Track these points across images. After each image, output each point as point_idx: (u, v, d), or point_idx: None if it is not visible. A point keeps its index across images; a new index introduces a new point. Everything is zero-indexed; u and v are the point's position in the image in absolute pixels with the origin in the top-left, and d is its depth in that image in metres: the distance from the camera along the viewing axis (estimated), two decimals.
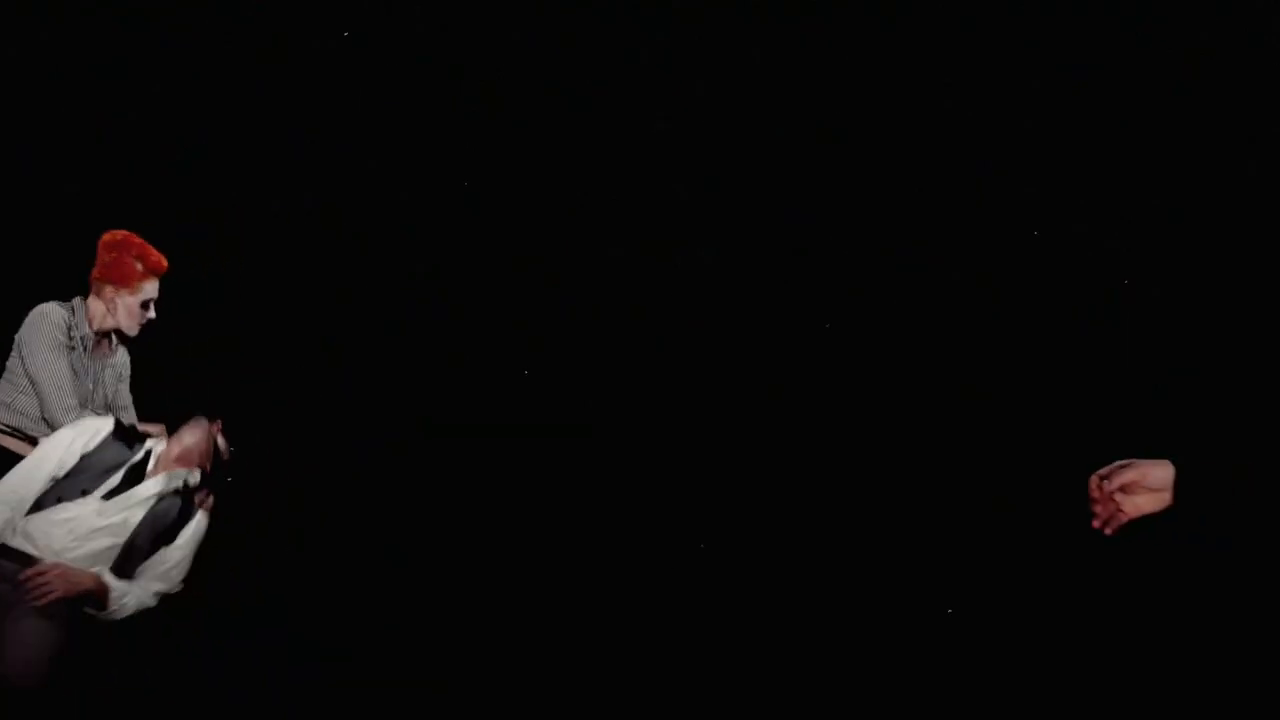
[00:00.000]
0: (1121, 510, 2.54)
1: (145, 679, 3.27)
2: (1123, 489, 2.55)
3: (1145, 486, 2.55)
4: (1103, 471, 2.51)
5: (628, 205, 3.34)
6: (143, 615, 2.82)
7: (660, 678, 3.32)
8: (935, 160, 3.27)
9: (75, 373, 2.91)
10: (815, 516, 3.28)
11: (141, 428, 2.87)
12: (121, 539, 2.70)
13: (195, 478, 2.77)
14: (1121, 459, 2.46)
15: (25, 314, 3.15)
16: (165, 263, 2.93)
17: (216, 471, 2.81)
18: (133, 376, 3.11)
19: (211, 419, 2.81)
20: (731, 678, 3.29)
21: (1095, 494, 2.56)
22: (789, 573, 3.29)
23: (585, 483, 3.35)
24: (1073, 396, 3.22)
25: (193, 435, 2.78)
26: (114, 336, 2.98)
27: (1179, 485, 2.54)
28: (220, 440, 2.83)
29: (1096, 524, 2.54)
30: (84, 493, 2.70)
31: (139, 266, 2.91)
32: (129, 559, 2.71)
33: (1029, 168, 3.27)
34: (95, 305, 2.93)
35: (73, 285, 3.17)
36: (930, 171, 3.28)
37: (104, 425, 2.76)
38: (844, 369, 3.27)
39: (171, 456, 2.76)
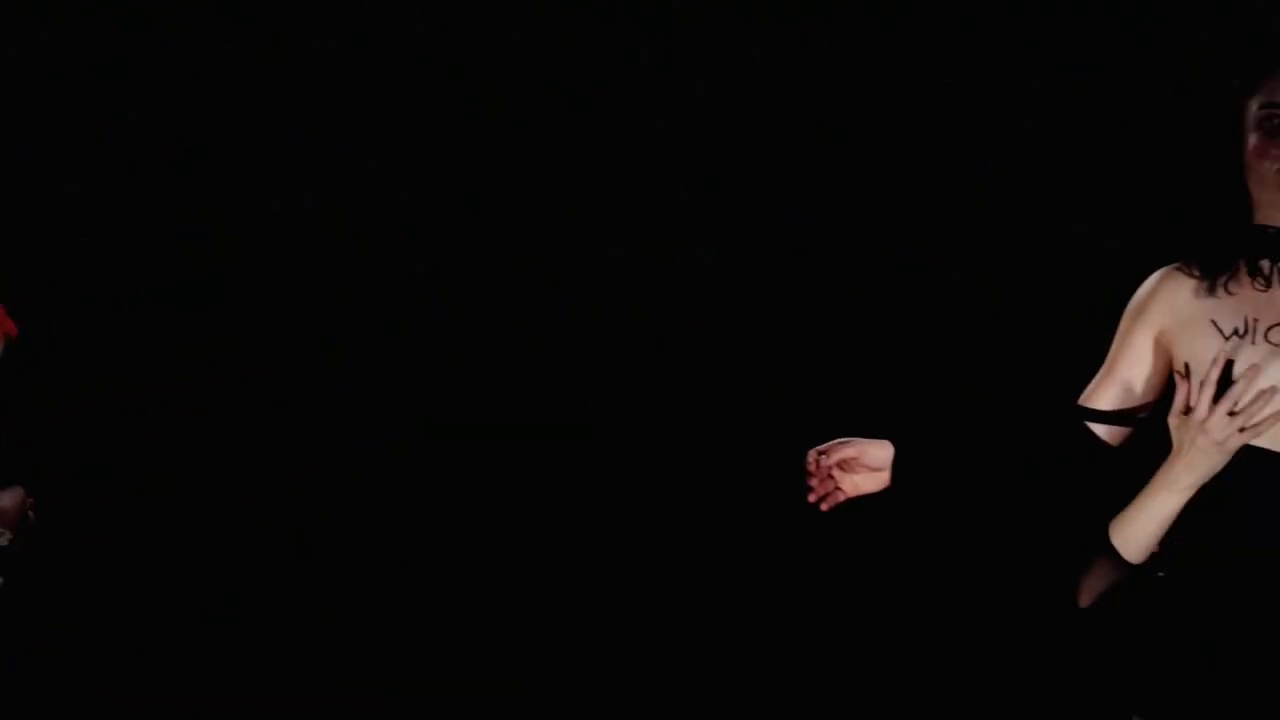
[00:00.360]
0: (839, 488, 2.55)
1: (141, 680, 3.27)
2: (840, 466, 2.57)
3: (864, 464, 2.57)
4: (821, 447, 2.52)
5: (628, 205, 3.34)
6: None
7: (662, 679, 3.32)
8: (935, 160, 3.27)
9: None
10: (816, 516, 3.27)
11: None
12: None
13: (5, 539, 2.85)
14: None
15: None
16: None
17: (18, 538, 2.90)
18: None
19: (29, 493, 2.93)
20: (729, 679, 3.30)
21: (812, 469, 2.57)
22: (789, 573, 3.29)
23: (585, 482, 3.35)
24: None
25: (10, 498, 2.88)
26: None
27: (897, 466, 2.55)
28: (31, 514, 2.92)
29: (812, 499, 2.55)
30: None
31: None
32: None
33: (1029, 168, 3.27)
34: None
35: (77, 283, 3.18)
36: (930, 171, 3.28)
37: None
38: (843, 369, 3.27)
39: None
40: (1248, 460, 2.45)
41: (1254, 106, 2.49)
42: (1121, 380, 2.58)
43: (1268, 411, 2.39)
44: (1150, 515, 2.49)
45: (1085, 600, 2.49)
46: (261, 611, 3.34)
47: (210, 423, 3.35)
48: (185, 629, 3.33)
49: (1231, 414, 2.38)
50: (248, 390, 3.35)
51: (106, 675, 3.31)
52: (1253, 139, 2.50)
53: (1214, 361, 2.41)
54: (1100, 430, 2.59)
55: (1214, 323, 2.48)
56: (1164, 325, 2.56)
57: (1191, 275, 2.53)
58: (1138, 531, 2.51)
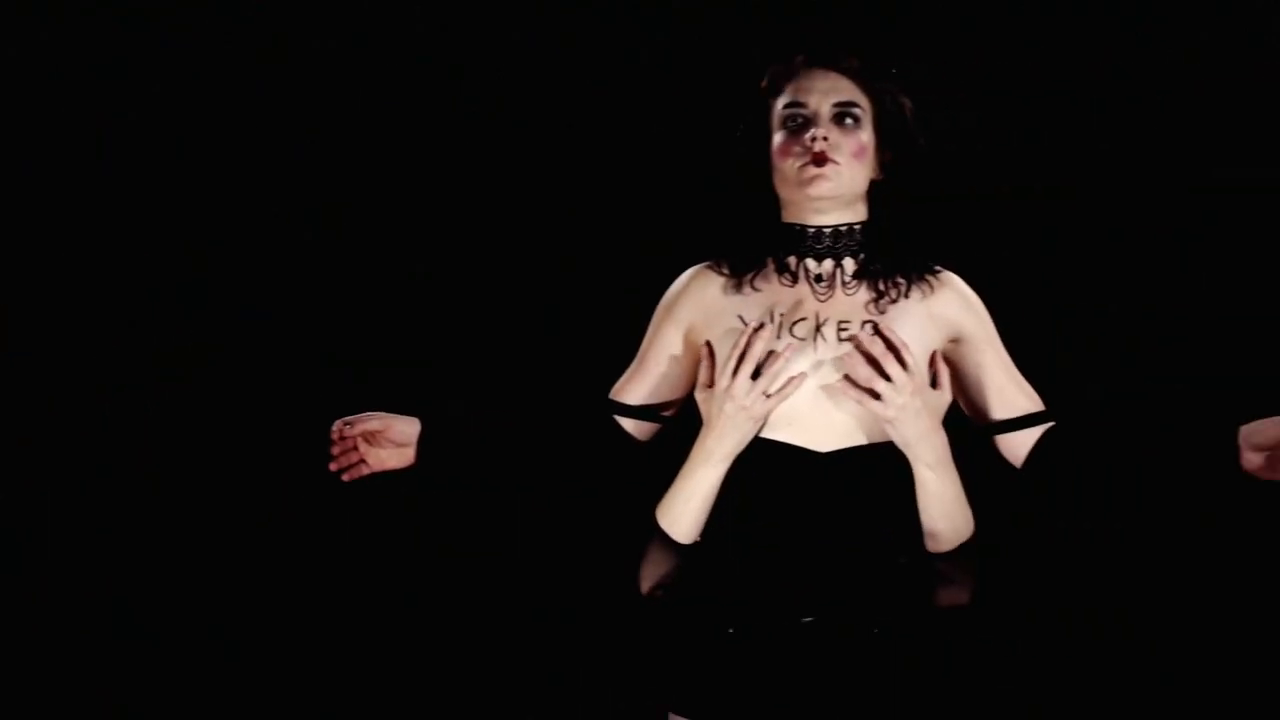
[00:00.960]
0: (364, 461, 2.60)
1: (139, 680, 3.27)
2: (366, 438, 2.60)
3: (389, 439, 2.62)
4: (349, 418, 2.56)
5: (627, 205, 3.34)
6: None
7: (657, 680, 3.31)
8: (934, 159, 3.27)
9: None
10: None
11: None
12: None
13: None
14: None
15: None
16: None
17: None
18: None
19: None
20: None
21: (335, 437, 2.61)
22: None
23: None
24: None
25: None
26: None
27: (423, 443, 2.60)
28: None
29: (334, 468, 2.59)
30: None
31: None
32: None
33: (1029, 167, 3.27)
34: None
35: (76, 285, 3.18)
36: (929, 170, 3.28)
37: None
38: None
39: None
40: (781, 457, 2.52)
41: (779, 106, 2.62)
42: (651, 376, 2.69)
43: (790, 373, 2.48)
44: (691, 491, 2.57)
45: (645, 586, 2.53)
46: (260, 612, 3.35)
47: (208, 423, 3.35)
48: (183, 629, 3.34)
49: (754, 378, 2.47)
50: (246, 390, 3.35)
51: (105, 675, 3.32)
52: (778, 138, 2.61)
53: (741, 331, 2.51)
54: (628, 424, 2.67)
55: (741, 318, 2.57)
56: (693, 322, 2.66)
57: (721, 273, 2.65)
58: (682, 510, 2.58)
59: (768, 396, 2.49)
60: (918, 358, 2.50)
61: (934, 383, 2.53)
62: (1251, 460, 2.50)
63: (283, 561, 3.32)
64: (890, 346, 2.47)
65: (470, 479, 2.72)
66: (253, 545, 3.32)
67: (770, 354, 2.49)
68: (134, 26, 3.32)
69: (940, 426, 2.53)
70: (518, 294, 3.34)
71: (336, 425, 2.61)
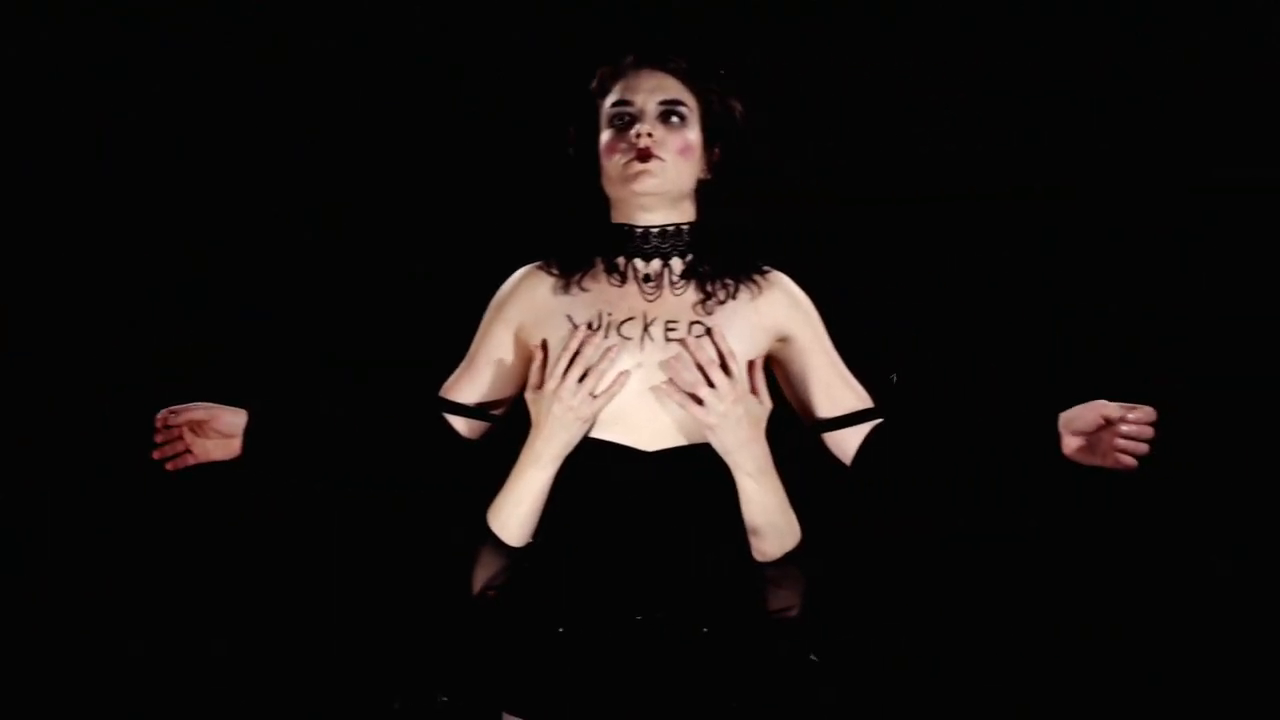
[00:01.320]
0: (190, 451, 2.61)
1: (137, 680, 3.27)
2: (191, 428, 2.61)
3: (215, 429, 2.64)
4: (175, 408, 2.58)
5: (460, 205, 3.36)
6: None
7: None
8: (933, 159, 3.28)
9: None
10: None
11: None
12: None
13: None
14: None
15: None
16: None
17: None
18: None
19: None
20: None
21: (160, 426, 2.61)
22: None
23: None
24: None
25: None
26: None
27: (249, 435, 2.61)
28: None
29: (157, 456, 2.59)
30: None
31: None
32: None
33: (1029, 166, 3.27)
34: None
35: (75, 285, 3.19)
36: (928, 170, 3.28)
37: None
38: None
39: None
40: (608, 456, 2.53)
41: (606, 105, 2.61)
42: (481, 375, 2.71)
43: (614, 373, 2.50)
44: (521, 494, 2.59)
45: (476, 586, 2.53)
46: (257, 612, 3.34)
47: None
48: (183, 629, 3.34)
49: (582, 380, 2.50)
50: (246, 390, 3.35)
51: (105, 675, 3.32)
52: (605, 136, 2.64)
53: (571, 334, 2.54)
54: (458, 423, 2.68)
55: (569, 318, 2.59)
56: (522, 321, 2.67)
57: (550, 273, 2.67)
58: (511, 512, 2.60)
59: (594, 397, 2.51)
60: (743, 361, 2.51)
61: (754, 390, 2.53)
62: (1071, 445, 2.52)
63: (282, 560, 3.33)
64: (717, 353, 2.49)
65: (297, 473, 2.72)
66: (252, 544, 3.32)
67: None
68: (134, 26, 3.32)
69: (762, 436, 2.54)
70: (353, 291, 3.35)
71: (161, 414, 2.62)
